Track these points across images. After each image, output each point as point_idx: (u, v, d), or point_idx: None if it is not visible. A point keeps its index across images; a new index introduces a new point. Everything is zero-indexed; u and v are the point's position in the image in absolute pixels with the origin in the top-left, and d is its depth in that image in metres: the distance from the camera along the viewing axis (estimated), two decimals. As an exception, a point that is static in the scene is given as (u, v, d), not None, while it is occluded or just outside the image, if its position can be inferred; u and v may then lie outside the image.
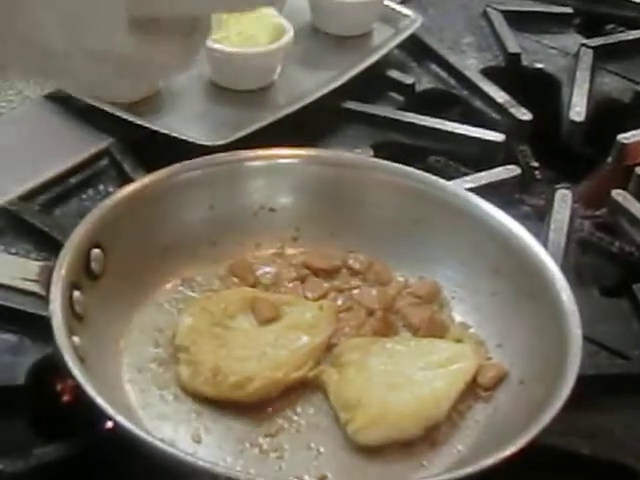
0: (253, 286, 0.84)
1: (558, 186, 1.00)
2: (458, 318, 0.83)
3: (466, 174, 0.99)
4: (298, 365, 0.76)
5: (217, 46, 1.03)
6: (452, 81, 1.14)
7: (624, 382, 0.80)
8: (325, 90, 1.05)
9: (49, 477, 0.73)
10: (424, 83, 1.13)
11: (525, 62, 1.17)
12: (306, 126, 1.01)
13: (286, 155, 0.89)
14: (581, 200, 1.00)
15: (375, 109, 1.07)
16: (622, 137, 1.02)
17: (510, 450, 0.67)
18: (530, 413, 0.71)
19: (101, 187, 0.96)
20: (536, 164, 1.05)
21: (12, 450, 0.73)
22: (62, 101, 1.04)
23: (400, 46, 1.15)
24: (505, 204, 0.88)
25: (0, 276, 0.81)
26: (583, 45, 1.18)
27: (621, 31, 1.24)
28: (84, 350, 0.72)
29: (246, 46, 1.05)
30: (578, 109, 1.09)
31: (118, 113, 0.99)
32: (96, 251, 0.79)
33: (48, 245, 0.87)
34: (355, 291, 0.84)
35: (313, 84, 1.06)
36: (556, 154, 1.07)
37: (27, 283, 0.81)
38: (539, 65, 1.17)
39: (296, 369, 0.76)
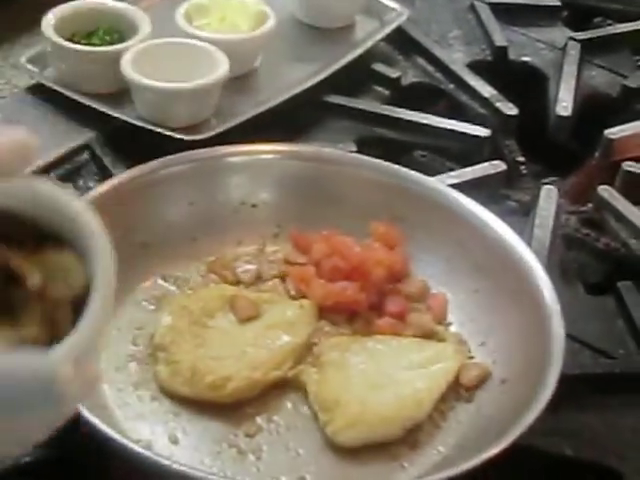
0: (233, 284, 0.83)
1: (544, 181, 0.99)
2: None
3: (452, 169, 0.98)
4: (277, 365, 0.75)
5: (199, 33, 1.02)
6: (438, 75, 1.12)
7: (608, 382, 0.79)
8: (308, 83, 1.03)
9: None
10: (410, 77, 1.12)
11: (512, 56, 1.16)
12: (288, 120, 1.00)
13: (267, 151, 0.88)
14: (567, 195, 0.99)
15: (359, 103, 1.06)
16: (609, 132, 1.01)
17: (492, 451, 0.67)
18: (513, 413, 0.70)
19: (81, 182, 0.94)
20: (522, 159, 1.04)
21: (-13, 452, 0.72)
22: (43, 94, 1.02)
23: (386, 39, 1.14)
24: (490, 199, 0.87)
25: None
26: (570, 38, 1.17)
27: (609, 24, 1.23)
28: (60, 349, 0.71)
29: (227, 32, 1.04)
30: (565, 103, 1.08)
31: (95, 105, 0.98)
32: (73, 248, 0.78)
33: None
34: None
35: (296, 77, 1.05)
36: (542, 149, 1.06)
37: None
38: (526, 59, 1.16)
39: (275, 369, 0.75)
